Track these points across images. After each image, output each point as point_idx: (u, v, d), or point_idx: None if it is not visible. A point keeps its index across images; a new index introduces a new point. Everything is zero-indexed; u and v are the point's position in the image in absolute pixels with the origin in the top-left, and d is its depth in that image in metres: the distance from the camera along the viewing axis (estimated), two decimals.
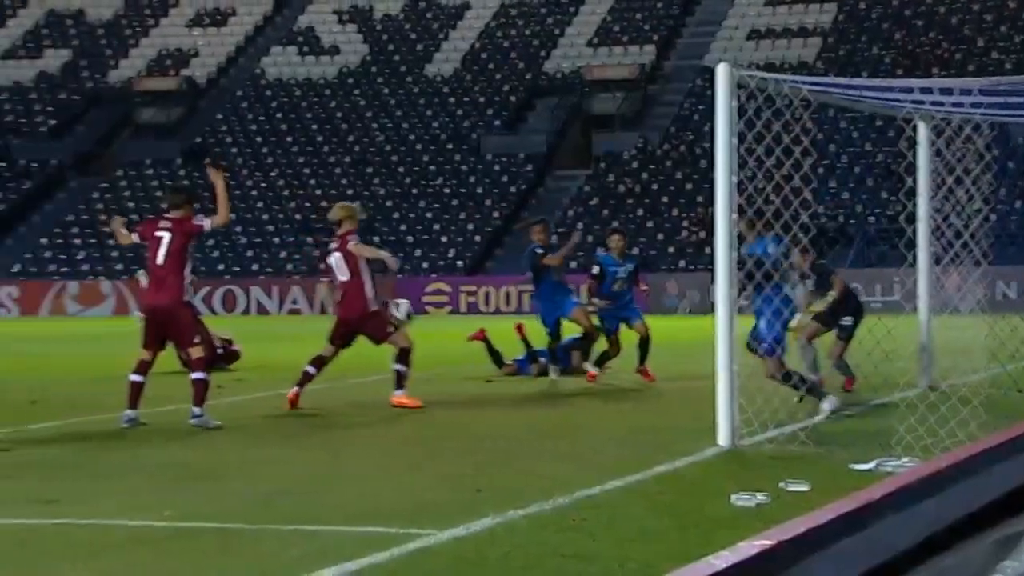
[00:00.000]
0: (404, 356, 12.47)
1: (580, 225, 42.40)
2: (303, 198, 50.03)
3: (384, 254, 12.68)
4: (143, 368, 11.32)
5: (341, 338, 12.51)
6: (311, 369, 12.52)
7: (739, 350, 9.94)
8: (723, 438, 9.75)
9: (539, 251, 15.27)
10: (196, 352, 11.32)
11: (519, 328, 17.03)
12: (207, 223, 11.35)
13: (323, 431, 11.25)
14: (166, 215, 11.56)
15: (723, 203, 9.85)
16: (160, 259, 11.30)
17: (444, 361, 18.35)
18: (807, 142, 10.18)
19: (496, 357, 16.71)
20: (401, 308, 12.98)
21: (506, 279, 42.90)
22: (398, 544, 6.39)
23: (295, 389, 12.48)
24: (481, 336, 17.11)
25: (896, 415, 9.85)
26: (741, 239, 12.16)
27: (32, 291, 44.60)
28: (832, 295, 13.12)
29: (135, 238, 11.62)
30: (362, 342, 12.76)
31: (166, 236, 11.31)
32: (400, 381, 12.41)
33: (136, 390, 11.29)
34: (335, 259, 12.55)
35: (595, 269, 15.37)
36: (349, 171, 51.21)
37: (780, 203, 10.44)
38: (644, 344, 15.15)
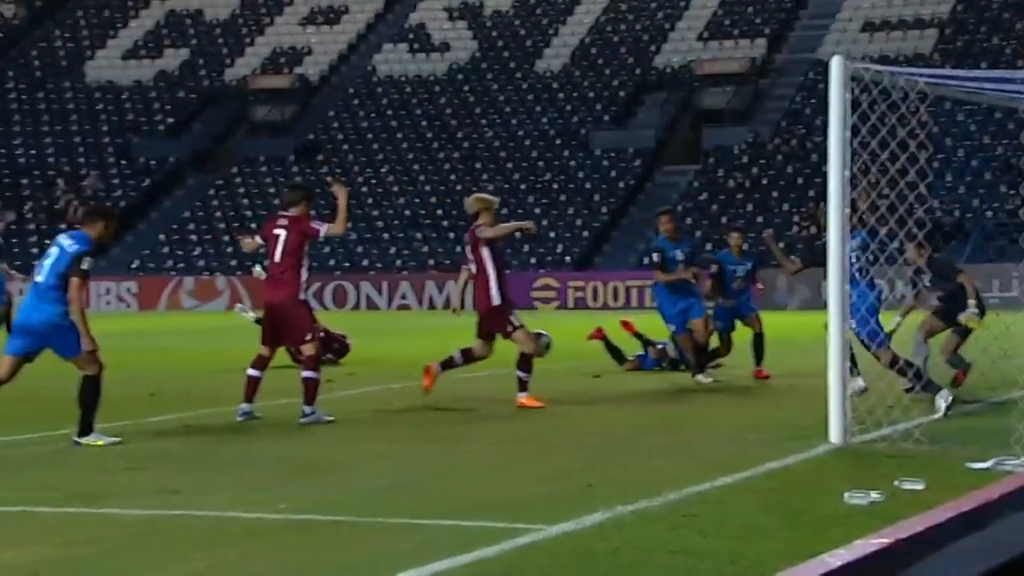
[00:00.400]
0: (524, 361, 12.40)
1: (668, 214, 42.08)
2: (413, 195, 50.43)
3: (516, 224, 12.76)
4: (260, 363, 11.47)
5: (481, 334, 12.46)
6: (457, 357, 12.46)
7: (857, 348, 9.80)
8: (835, 435, 9.62)
9: (659, 249, 14.79)
10: (307, 350, 11.36)
11: (625, 325, 16.93)
12: (323, 229, 11.43)
13: (433, 426, 11.32)
14: (283, 213, 11.68)
15: (836, 198, 9.71)
16: (277, 257, 11.43)
17: (552, 357, 18.35)
18: (923, 136, 10.00)
19: (616, 354, 16.62)
20: (541, 340, 13.09)
21: (614, 275, 42.81)
22: (507, 538, 6.42)
23: (435, 367, 12.40)
24: (600, 335, 17.05)
25: (1015, 413, 9.64)
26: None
27: (150, 286, 45.63)
28: (970, 302, 12.64)
29: (259, 240, 11.72)
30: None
31: (282, 234, 11.43)
32: (522, 385, 12.40)
33: (252, 384, 11.45)
34: (467, 251, 12.66)
35: (714, 268, 15.10)
36: (458, 167, 51.49)
37: (895, 198, 10.26)
38: (759, 341, 14.96)
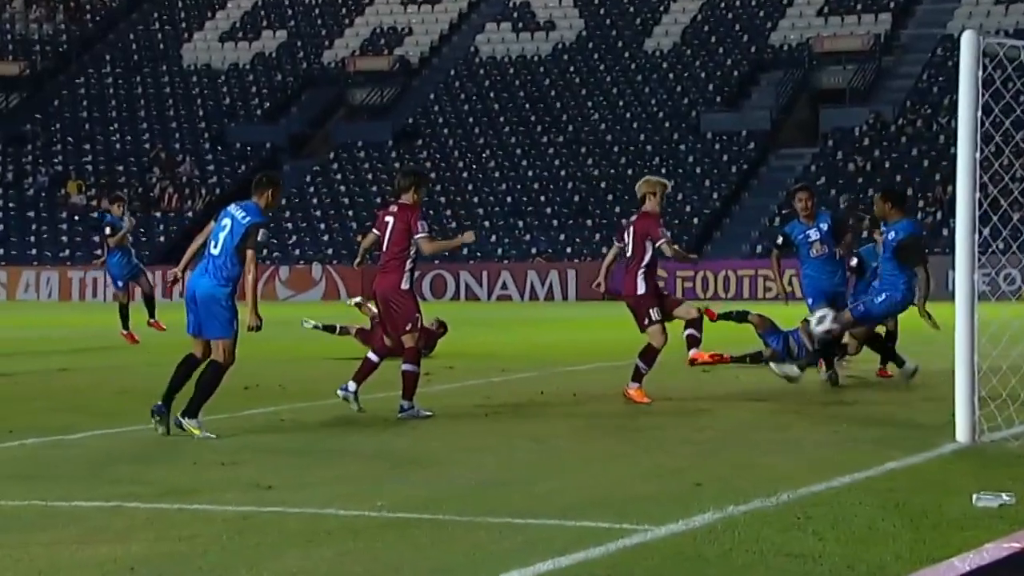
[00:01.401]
0: (649, 353, 12.32)
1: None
2: (515, 181, 50.51)
3: (455, 242, 12.33)
4: (382, 350, 11.64)
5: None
6: (642, 365, 12.41)
7: (981, 341, 9.60)
8: (963, 434, 9.44)
9: (784, 233, 14.06)
10: (408, 341, 11.40)
11: (708, 313, 15.95)
12: (420, 234, 11.39)
13: (535, 420, 11.34)
14: (396, 200, 11.77)
15: (965, 182, 9.50)
16: (385, 245, 11.55)
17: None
18: None
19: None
20: (824, 320, 12.64)
21: (725, 263, 42.44)
22: (613, 539, 6.40)
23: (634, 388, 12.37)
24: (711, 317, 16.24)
25: None
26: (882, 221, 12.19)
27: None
28: None
29: (375, 232, 11.75)
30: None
31: (391, 222, 11.53)
32: (637, 375, 12.36)
33: (366, 368, 11.59)
34: (627, 234, 12.64)
35: (853, 261, 14.57)
36: (562, 151, 51.46)
37: None
38: (891, 340, 14.52)
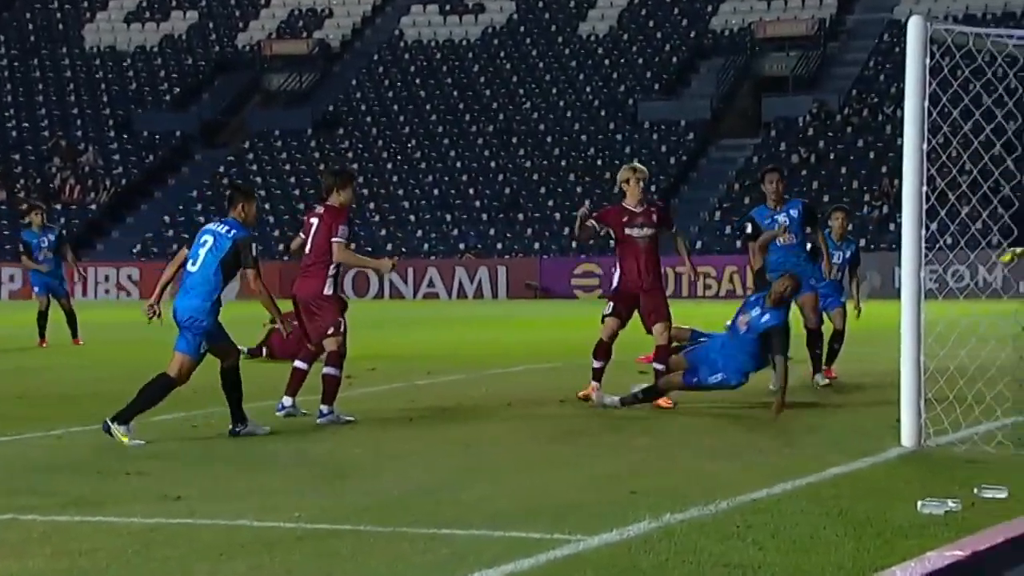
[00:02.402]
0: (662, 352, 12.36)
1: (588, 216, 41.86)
2: (442, 172, 50.50)
3: (372, 263, 12.53)
4: (308, 356, 11.66)
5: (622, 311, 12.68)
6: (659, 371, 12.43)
7: (928, 341, 9.74)
8: (908, 438, 9.57)
9: (751, 218, 13.67)
10: (329, 345, 11.46)
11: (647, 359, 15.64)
12: (339, 237, 11.44)
13: (463, 425, 11.35)
14: (323, 201, 11.79)
15: (912, 174, 9.64)
16: (308, 247, 11.60)
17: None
18: (1011, 104, 9.91)
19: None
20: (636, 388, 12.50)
21: (664, 260, 42.63)
22: (544, 550, 6.42)
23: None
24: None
25: None
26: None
27: (154, 273, 45.75)
28: None
29: (302, 236, 11.77)
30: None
31: (315, 224, 11.57)
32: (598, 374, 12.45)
33: (297, 377, 11.63)
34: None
35: (808, 246, 14.54)
36: (492, 142, 51.51)
37: (978, 174, 10.17)
38: (838, 340, 14.61)
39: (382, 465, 9.26)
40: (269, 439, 10.56)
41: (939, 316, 10.74)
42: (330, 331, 11.41)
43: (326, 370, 11.39)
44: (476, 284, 43.68)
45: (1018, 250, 12.17)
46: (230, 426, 10.60)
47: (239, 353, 10.76)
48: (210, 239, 10.54)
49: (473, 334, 24.47)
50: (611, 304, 12.79)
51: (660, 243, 12.86)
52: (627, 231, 12.71)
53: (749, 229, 13.52)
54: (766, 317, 11.81)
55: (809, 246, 14.18)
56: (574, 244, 45.19)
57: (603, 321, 12.70)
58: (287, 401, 11.65)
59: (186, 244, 10.81)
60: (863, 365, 15.60)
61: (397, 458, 9.56)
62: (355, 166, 47.93)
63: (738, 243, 44.21)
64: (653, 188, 48.13)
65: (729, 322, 12.31)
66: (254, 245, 10.57)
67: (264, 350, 18.01)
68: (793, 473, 8.51)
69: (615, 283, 12.84)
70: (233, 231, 10.52)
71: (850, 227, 15.21)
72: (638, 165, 13.21)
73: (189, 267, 10.56)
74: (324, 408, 11.36)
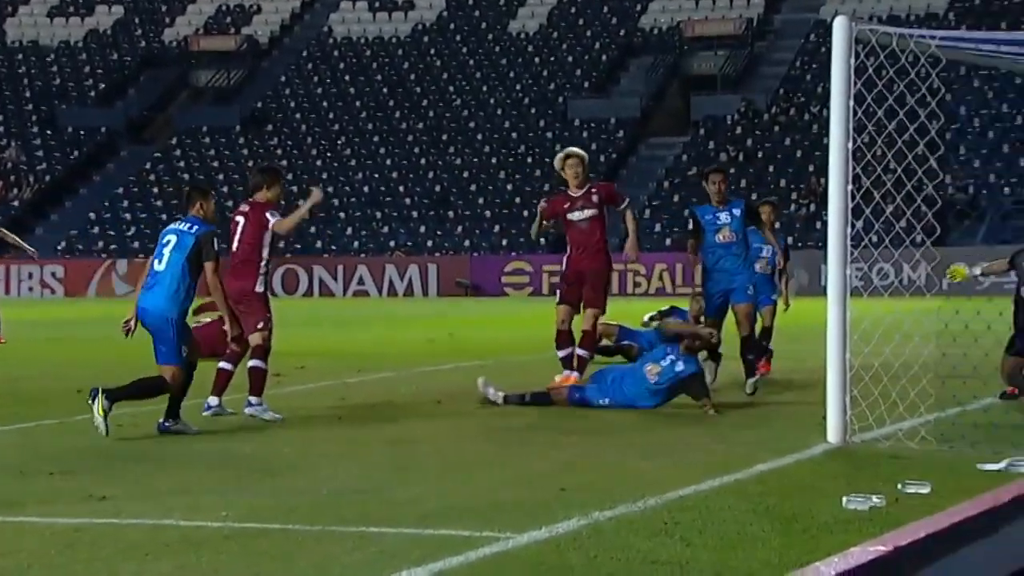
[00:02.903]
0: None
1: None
2: (372, 169, 50.36)
3: (305, 207, 12.32)
4: (233, 357, 11.65)
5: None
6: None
7: (853, 338, 9.85)
8: (834, 434, 9.68)
9: (693, 214, 13.49)
10: (256, 339, 11.54)
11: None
12: (273, 222, 11.51)
13: (393, 423, 11.33)
14: (248, 199, 11.81)
15: (838, 173, 9.75)
16: (236, 246, 11.66)
17: (526, 348, 18.37)
18: (934, 104, 10.03)
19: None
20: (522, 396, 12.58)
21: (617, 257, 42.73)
22: (473, 547, 6.43)
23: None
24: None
25: None
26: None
27: (78, 270, 45.35)
28: None
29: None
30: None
31: (241, 222, 11.61)
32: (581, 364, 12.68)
33: (222, 378, 11.62)
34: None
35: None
36: (422, 139, 51.44)
37: (902, 172, 10.30)
38: (767, 336, 14.73)
39: (311, 464, 9.23)
40: (196, 438, 10.48)
41: (865, 313, 10.87)
42: (259, 325, 11.49)
43: (252, 363, 11.47)
44: (406, 282, 43.61)
45: (962, 267, 12.16)
46: (160, 419, 10.52)
47: (181, 383, 10.59)
48: (173, 238, 10.65)
49: (403, 332, 24.44)
50: (559, 292, 12.97)
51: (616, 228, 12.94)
52: (568, 216, 12.88)
53: (691, 226, 13.46)
54: (680, 367, 11.86)
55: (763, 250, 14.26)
56: (534, 237, 45.29)
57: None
58: (213, 401, 11.61)
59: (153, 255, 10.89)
60: (791, 363, 15.74)
61: (326, 457, 9.53)
62: (284, 163, 47.70)
63: (686, 238, 44.54)
64: None
65: (634, 364, 12.41)
66: (215, 240, 10.63)
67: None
68: (721, 470, 8.58)
69: (563, 267, 13.00)
70: (195, 227, 10.64)
71: (777, 223, 15.21)
72: (571, 149, 13.33)
73: (156, 266, 10.62)
74: (253, 399, 11.44)
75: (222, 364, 11.64)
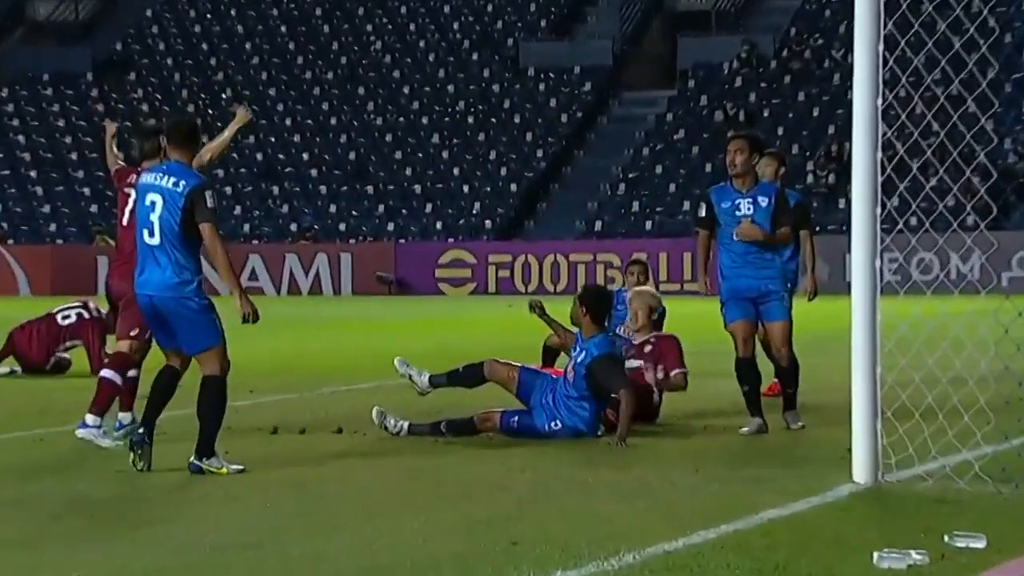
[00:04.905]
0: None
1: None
2: (267, 131, 50.19)
3: (231, 129, 12.79)
4: (115, 363, 11.94)
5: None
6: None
7: (886, 347, 9.91)
8: (862, 471, 9.73)
9: (707, 198, 13.11)
10: (121, 346, 11.72)
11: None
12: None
13: (294, 460, 11.32)
14: (136, 167, 11.92)
15: (864, 137, 9.80)
16: (125, 222, 11.82)
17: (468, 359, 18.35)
18: (985, 48, 10.11)
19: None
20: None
21: (554, 245, 42.94)
22: None
23: None
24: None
25: None
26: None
27: None
28: None
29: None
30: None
31: (132, 196, 11.61)
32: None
33: (128, 389, 11.91)
34: None
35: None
36: (332, 92, 51.35)
37: (946, 136, 10.37)
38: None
39: (187, 511, 9.20)
40: (37, 475, 10.46)
41: (901, 316, 10.92)
42: (132, 332, 11.60)
43: (106, 374, 11.68)
44: (312, 276, 43.54)
45: None
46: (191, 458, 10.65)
47: (228, 363, 10.80)
48: (158, 199, 10.52)
49: (308, 341, 24.35)
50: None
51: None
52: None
53: (703, 212, 13.03)
54: (582, 355, 12.15)
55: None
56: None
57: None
58: (126, 418, 11.89)
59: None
60: (807, 378, 15.78)
61: (207, 501, 9.50)
62: (151, 122, 47.44)
63: (648, 224, 44.53)
64: (540, 153, 48.38)
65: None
66: (209, 193, 10.56)
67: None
68: (716, 517, 8.59)
69: None
70: (183, 181, 10.51)
71: (782, 171, 14.48)
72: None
73: (147, 239, 10.55)
74: (89, 418, 11.59)
75: (106, 375, 11.78)
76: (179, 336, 10.61)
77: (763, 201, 12.71)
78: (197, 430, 10.59)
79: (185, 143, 10.75)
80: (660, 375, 13.20)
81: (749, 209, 12.68)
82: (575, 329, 12.73)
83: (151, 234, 10.53)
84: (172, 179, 10.53)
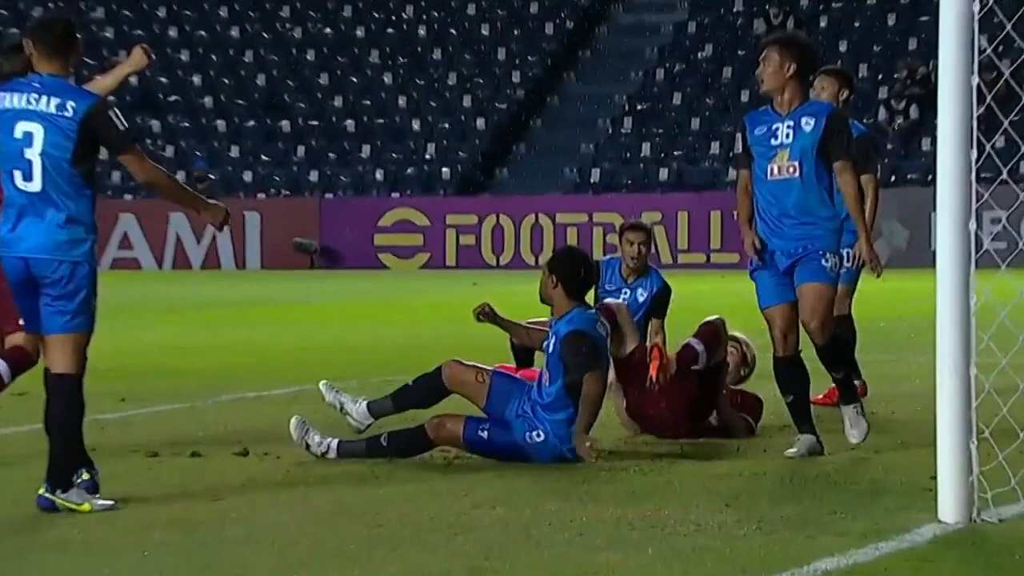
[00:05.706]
0: None
1: None
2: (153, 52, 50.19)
3: (124, 68, 12.93)
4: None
5: None
6: None
7: (983, 343, 9.95)
8: (950, 508, 9.79)
9: (743, 127, 13.10)
10: (16, 339, 12.01)
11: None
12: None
13: (184, 495, 11.34)
14: None
15: (954, 57, 9.83)
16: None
17: (411, 360, 18.38)
18: None
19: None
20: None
21: (532, 201, 42.90)
22: None
23: None
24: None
25: None
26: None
27: None
28: None
29: None
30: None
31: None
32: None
33: None
34: None
35: None
36: (250, 12, 51.40)
37: None
38: (847, 329, 14.81)
39: (36, 564, 9.18)
40: None
41: (1003, 298, 10.96)
42: (23, 321, 11.66)
43: None
44: (206, 244, 43.65)
45: None
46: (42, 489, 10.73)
47: (85, 360, 10.84)
48: (39, 129, 10.51)
49: (201, 332, 24.40)
50: None
51: None
52: None
53: (739, 146, 13.13)
54: (552, 342, 12.48)
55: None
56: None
57: None
58: None
59: None
60: (877, 383, 15.88)
61: (67, 549, 9.51)
62: (12, 35, 47.52)
63: (665, 173, 44.42)
64: (515, 93, 48.43)
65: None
66: (113, 112, 10.61)
67: None
68: (756, 568, 8.64)
69: None
70: (71, 103, 10.51)
71: (845, 94, 14.47)
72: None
73: (22, 184, 10.55)
74: None
75: None
76: (43, 309, 10.61)
77: (807, 124, 12.55)
78: (47, 452, 10.58)
79: (59, 49, 10.65)
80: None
81: (788, 136, 12.55)
82: (546, 317, 12.82)
83: (27, 177, 10.52)
84: (55, 100, 10.51)
